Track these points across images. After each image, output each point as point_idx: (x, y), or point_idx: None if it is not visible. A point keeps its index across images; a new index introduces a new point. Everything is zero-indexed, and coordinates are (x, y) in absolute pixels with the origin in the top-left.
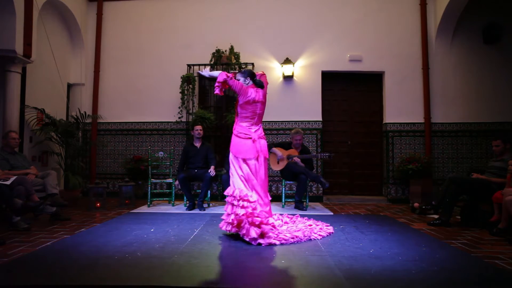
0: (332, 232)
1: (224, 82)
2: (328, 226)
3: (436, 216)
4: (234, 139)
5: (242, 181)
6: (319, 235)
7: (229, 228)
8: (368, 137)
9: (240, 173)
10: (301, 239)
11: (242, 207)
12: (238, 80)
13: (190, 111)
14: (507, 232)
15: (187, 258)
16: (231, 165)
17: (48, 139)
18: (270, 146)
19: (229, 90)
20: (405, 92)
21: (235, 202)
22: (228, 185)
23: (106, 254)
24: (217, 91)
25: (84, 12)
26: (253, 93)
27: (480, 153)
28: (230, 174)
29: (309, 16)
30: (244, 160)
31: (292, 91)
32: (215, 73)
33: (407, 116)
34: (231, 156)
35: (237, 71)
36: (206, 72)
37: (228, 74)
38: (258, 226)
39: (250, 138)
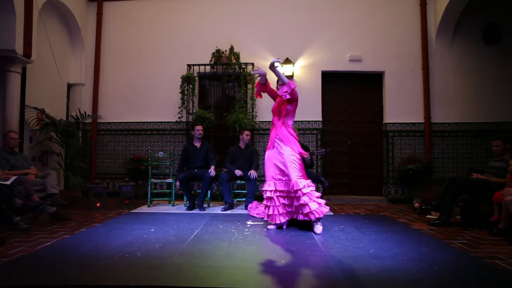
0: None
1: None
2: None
3: (436, 216)
4: (296, 141)
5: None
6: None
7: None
8: (368, 137)
9: None
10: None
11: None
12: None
13: (190, 111)
14: (507, 232)
15: (187, 258)
16: (301, 164)
17: (48, 139)
18: None
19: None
20: (405, 92)
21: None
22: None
23: (106, 254)
24: (287, 96)
25: (84, 12)
26: None
27: (480, 153)
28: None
29: (309, 16)
30: None
31: None
32: (283, 77)
33: (407, 116)
34: (296, 156)
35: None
36: (280, 67)
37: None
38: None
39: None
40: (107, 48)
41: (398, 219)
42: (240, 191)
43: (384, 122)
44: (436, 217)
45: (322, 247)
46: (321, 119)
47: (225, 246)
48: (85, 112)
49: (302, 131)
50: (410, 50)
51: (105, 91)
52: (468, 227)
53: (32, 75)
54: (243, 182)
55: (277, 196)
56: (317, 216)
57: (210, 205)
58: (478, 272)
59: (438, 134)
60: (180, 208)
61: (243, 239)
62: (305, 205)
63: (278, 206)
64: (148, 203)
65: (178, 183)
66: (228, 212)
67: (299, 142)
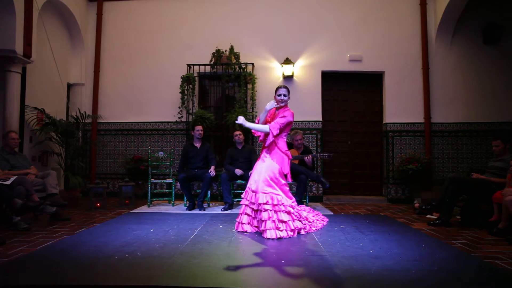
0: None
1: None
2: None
3: (436, 216)
4: (284, 157)
5: (286, 191)
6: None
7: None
8: (368, 137)
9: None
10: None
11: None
12: (286, 96)
13: (190, 111)
14: (507, 232)
15: (187, 258)
16: (279, 179)
17: (48, 139)
18: None
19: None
20: (405, 92)
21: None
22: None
23: (106, 254)
24: (272, 139)
25: (84, 12)
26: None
27: (480, 153)
28: (278, 188)
29: (309, 16)
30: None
31: (292, 91)
32: (262, 127)
33: (407, 116)
34: (277, 172)
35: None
36: (250, 124)
37: (277, 122)
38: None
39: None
40: (107, 48)
41: (398, 219)
42: (240, 191)
43: (384, 122)
44: (436, 217)
45: (322, 247)
46: (321, 119)
47: (225, 246)
48: (85, 112)
49: (302, 131)
50: (410, 50)
51: (105, 91)
52: (468, 227)
53: (32, 75)
54: (243, 182)
55: (246, 205)
56: (269, 236)
57: (210, 205)
58: (478, 272)
59: (438, 134)
60: (180, 208)
61: (243, 239)
62: (263, 221)
63: (242, 214)
64: (148, 203)
65: (178, 183)
66: (228, 212)
67: (304, 145)
